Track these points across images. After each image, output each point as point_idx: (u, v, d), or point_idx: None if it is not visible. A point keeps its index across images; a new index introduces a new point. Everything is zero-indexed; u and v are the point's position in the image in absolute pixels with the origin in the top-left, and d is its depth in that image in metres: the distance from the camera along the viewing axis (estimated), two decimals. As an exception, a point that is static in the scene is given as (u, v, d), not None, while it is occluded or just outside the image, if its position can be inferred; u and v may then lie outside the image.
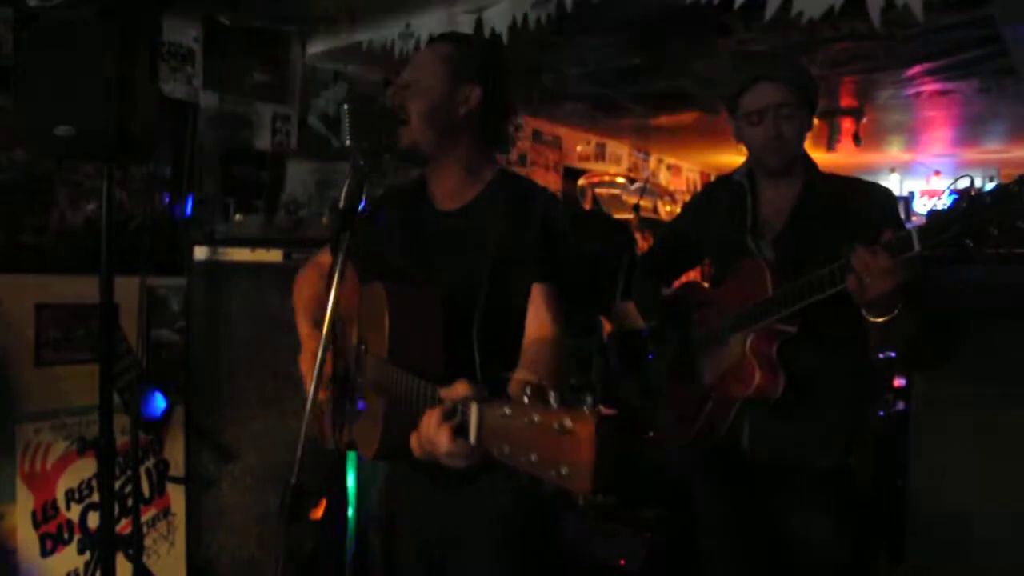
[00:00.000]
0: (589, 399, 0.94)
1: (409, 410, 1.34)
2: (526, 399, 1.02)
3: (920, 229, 1.65)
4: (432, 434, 1.19)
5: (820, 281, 1.84)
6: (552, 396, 0.99)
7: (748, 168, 2.23)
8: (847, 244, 1.75)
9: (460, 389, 1.20)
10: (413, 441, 1.26)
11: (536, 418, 0.97)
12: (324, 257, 1.96)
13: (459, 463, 1.19)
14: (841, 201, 2.05)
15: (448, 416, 1.18)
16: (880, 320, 1.78)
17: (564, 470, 0.92)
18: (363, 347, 1.59)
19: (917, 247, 1.64)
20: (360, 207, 1.46)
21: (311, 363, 1.71)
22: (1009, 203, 1.50)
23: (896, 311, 1.76)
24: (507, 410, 1.03)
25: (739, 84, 2.11)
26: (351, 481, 2.31)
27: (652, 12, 3.37)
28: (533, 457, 0.97)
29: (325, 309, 1.71)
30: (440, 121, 1.67)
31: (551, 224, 1.64)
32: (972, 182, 1.58)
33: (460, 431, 1.15)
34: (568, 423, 0.93)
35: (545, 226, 1.63)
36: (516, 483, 1.38)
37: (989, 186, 1.52)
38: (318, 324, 1.66)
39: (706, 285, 2.40)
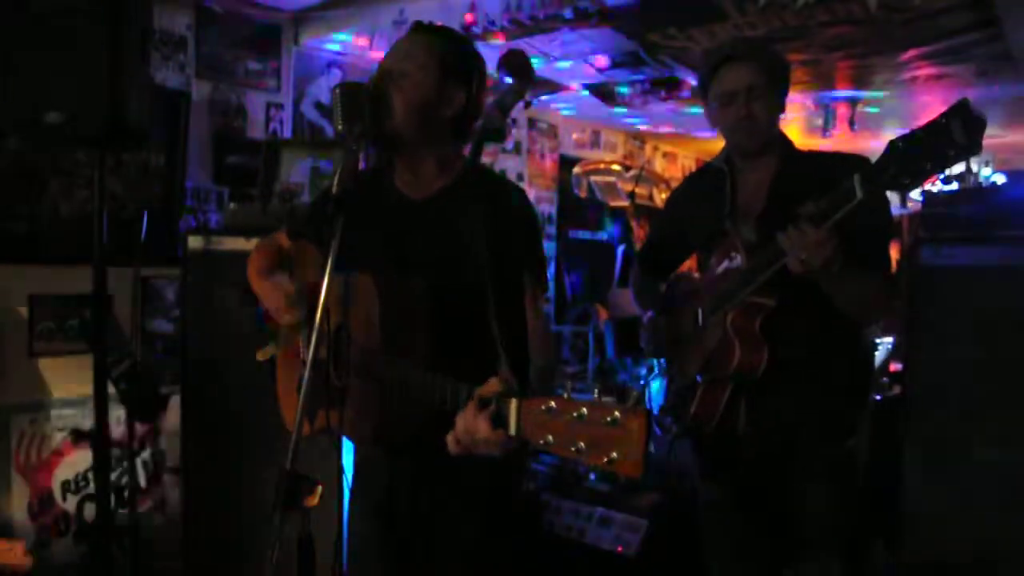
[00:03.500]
0: (634, 394, 1.12)
1: (429, 406, 1.45)
2: (567, 395, 1.16)
3: (861, 175, 1.72)
4: (470, 423, 1.31)
5: (764, 262, 1.91)
6: (595, 391, 1.14)
7: (726, 153, 2.23)
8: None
9: (493, 386, 1.32)
10: (450, 436, 1.36)
11: (585, 411, 1.12)
12: (279, 239, 1.99)
13: (495, 451, 1.30)
14: (820, 175, 2.04)
15: (483, 405, 1.30)
16: (827, 280, 1.85)
17: (614, 455, 1.08)
18: (344, 334, 1.61)
19: (860, 194, 1.71)
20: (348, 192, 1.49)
21: (280, 300, 1.72)
22: (939, 135, 1.60)
23: (836, 267, 1.80)
24: (552, 404, 1.17)
25: (709, 68, 2.13)
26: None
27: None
28: (581, 445, 1.12)
29: (287, 275, 1.82)
30: (425, 117, 1.69)
31: (527, 215, 1.74)
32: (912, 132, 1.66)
33: (497, 421, 1.27)
34: (619, 416, 1.08)
35: (522, 217, 1.72)
36: (495, 466, 1.43)
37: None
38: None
39: (696, 275, 2.40)
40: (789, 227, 1.79)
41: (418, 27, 1.79)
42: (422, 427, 1.54)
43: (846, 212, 1.74)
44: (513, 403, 1.24)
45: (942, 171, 1.67)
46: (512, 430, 1.24)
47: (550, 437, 1.16)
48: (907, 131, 1.65)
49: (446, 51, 1.71)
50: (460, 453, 1.37)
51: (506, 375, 1.41)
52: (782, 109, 2.14)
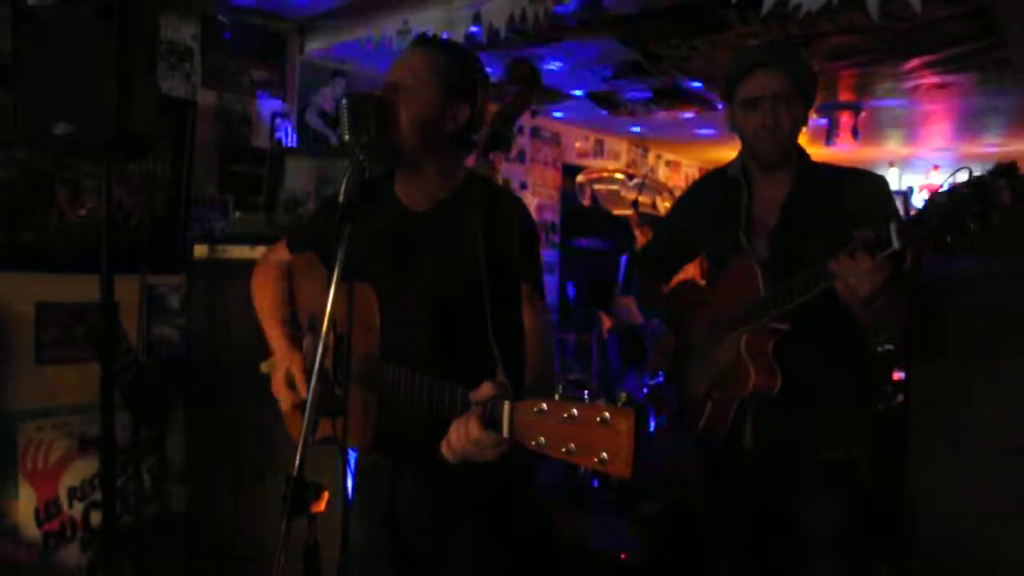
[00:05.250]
0: (623, 395, 1.10)
1: (427, 411, 1.47)
2: (557, 396, 1.17)
3: (898, 225, 1.66)
4: (464, 428, 1.32)
5: (805, 283, 1.86)
6: (586, 393, 1.15)
7: (742, 162, 2.21)
8: (824, 251, 1.78)
9: (486, 390, 1.34)
10: (444, 443, 1.38)
11: (575, 412, 1.13)
12: (280, 252, 2.00)
13: (490, 454, 1.32)
14: (834, 194, 2.04)
15: (477, 409, 1.32)
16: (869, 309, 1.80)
17: (604, 456, 1.08)
18: (345, 344, 1.62)
19: (896, 244, 1.65)
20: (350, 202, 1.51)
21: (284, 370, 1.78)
22: (986, 195, 1.53)
23: (881, 300, 1.76)
24: (544, 406, 1.18)
25: (738, 71, 2.11)
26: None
27: (650, 7, 3.37)
28: (572, 446, 1.12)
29: (293, 307, 1.86)
30: (429, 132, 1.71)
31: (525, 224, 1.75)
32: (971, 173, 1.59)
33: (491, 424, 1.28)
34: (608, 416, 1.08)
35: (520, 227, 1.73)
36: (498, 471, 1.44)
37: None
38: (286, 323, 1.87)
39: (702, 283, 2.40)
40: (840, 254, 1.74)
41: (421, 41, 1.80)
42: (423, 433, 1.55)
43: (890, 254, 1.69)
44: (506, 405, 1.25)
45: (986, 231, 1.56)
46: (505, 432, 1.25)
47: (542, 438, 1.17)
48: (948, 186, 1.60)
49: (449, 68, 1.72)
50: (455, 460, 1.38)
51: (501, 379, 1.42)
52: (805, 121, 2.13)
